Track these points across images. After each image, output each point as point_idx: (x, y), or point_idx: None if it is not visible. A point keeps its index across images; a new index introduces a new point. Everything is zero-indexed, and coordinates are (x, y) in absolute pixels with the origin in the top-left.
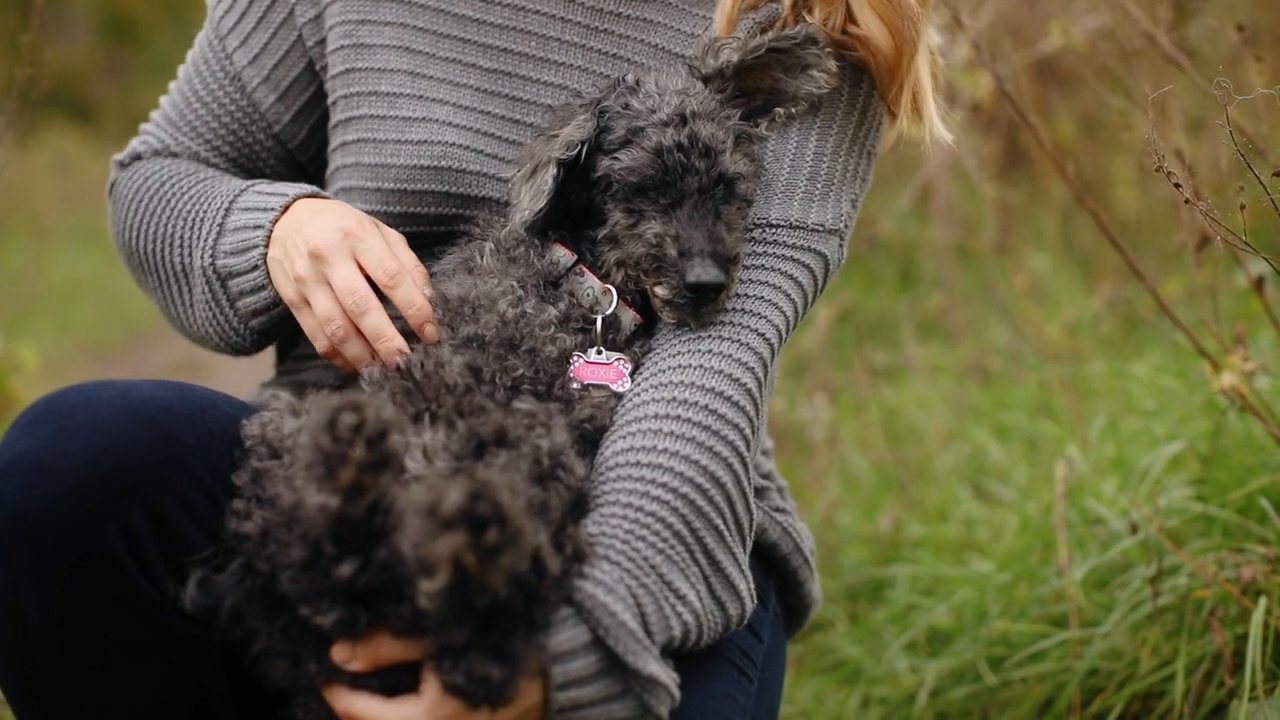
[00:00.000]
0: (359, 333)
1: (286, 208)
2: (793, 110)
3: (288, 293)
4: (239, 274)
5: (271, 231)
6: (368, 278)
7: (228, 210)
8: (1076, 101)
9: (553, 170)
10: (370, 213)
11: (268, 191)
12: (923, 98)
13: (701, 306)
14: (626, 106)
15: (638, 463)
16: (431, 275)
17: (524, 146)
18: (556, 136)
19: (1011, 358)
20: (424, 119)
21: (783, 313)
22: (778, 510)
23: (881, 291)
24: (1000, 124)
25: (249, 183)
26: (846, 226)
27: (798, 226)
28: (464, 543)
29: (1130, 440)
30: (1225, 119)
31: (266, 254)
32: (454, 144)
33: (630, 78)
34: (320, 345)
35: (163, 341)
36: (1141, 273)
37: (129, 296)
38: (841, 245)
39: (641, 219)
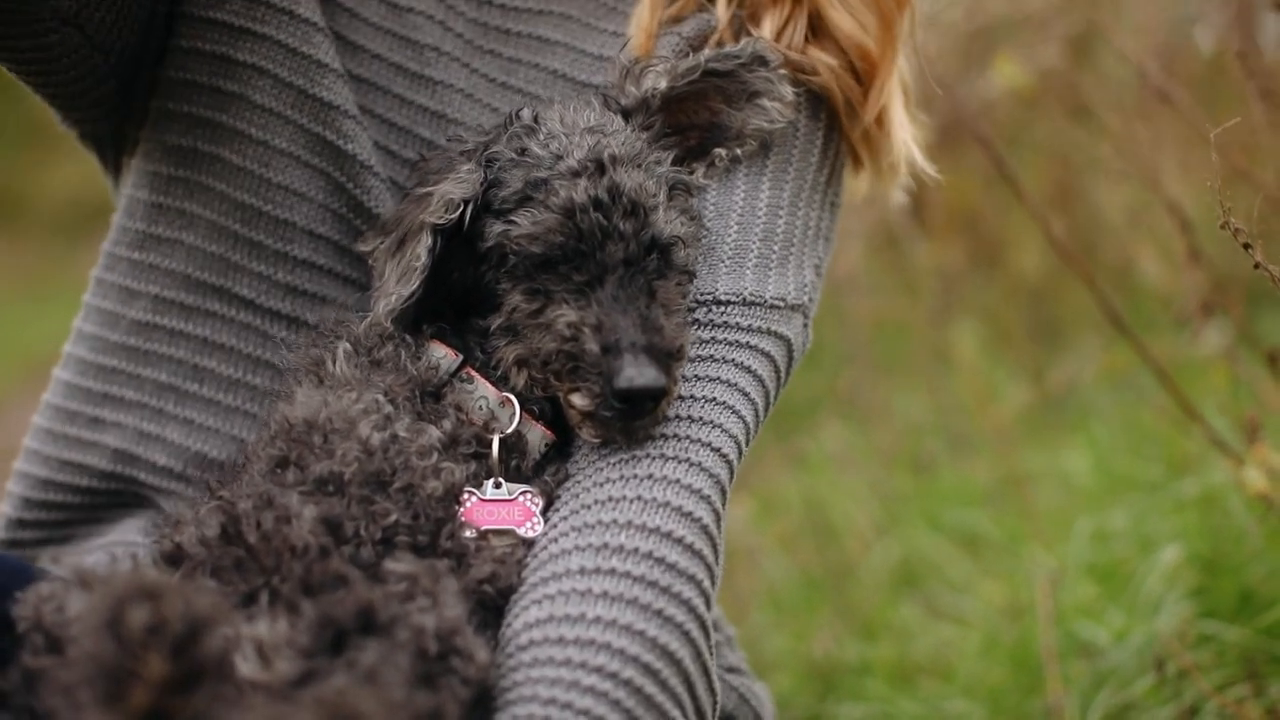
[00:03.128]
0: None
1: None
2: (737, 151)
3: None
4: None
5: None
6: None
7: None
8: (975, 159)
9: (426, 240)
10: (242, 176)
11: None
12: (892, 120)
13: (635, 420)
14: (523, 152)
15: (561, 639)
16: (264, 393)
17: (389, 209)
18: (429, 195)
19: (949, 442)
20: (340, 74)
21: (741, 419)
22: (730, 670)
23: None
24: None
25: None
26: (811, 300)
27: (753, 303)
28: None
29: (1107, 541)
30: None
31: None
32: (363, 126)
33: (526, 113)
34: None
35: None
36: (1140, 341)
37: None
38: (806, 324)
39: (549, 302)
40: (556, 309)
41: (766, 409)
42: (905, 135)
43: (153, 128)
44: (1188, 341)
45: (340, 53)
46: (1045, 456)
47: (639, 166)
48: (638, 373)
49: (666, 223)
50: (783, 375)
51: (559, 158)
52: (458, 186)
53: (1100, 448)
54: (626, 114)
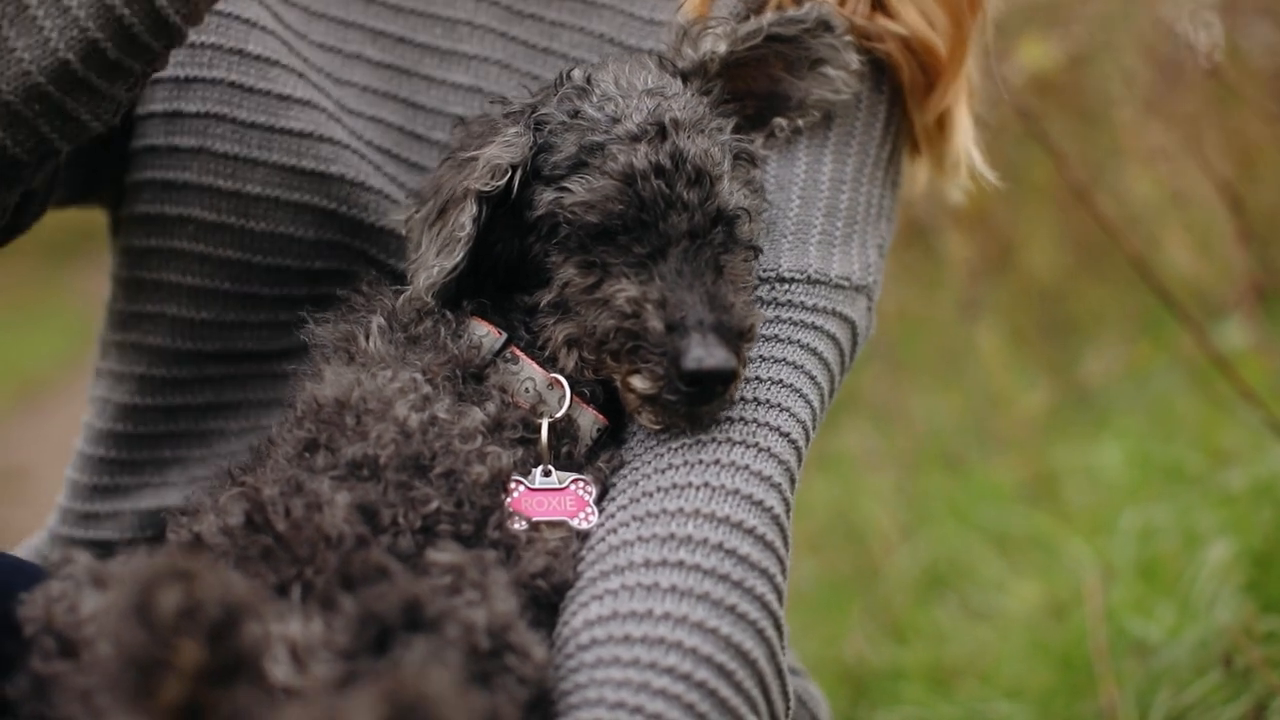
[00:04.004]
0: None
1: None
2: (798, 122)
3: None
4: None
5: None
6: None
7: None
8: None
9: (471, 209)
10: (221, 231)
11: None
12: (954, 123)
13: (702, 405)
14: (575, 114)
15: (626, 637)
16: (293, 371)
17: (427, 176)
18: (474, 160)
19: (976, 440)
20: (308, 102)
21: (808, 404)
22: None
23: None
24: None
25: None
26: (875, 282)
27: (817, 281)
28: None
29: (1149, 536)
30: None
31: None
32: (344, 145)
33: (578, 74)
34: None
35: None
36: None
37: None
38: (870, 308)
39: (606, 277)
40: (615, 283)
41: (830, 396)
42: (967, 140)
43: (123, 202)
44: (1237, 324)
45: (361, 41)
46: (1074, 453)
47: (702, 132)
48: (707, 353)
49: (731, 193)
50: (846, 361)
51: (616, 121)
52: (506, 150)
53: (1132, 442)
54: (683, 78)
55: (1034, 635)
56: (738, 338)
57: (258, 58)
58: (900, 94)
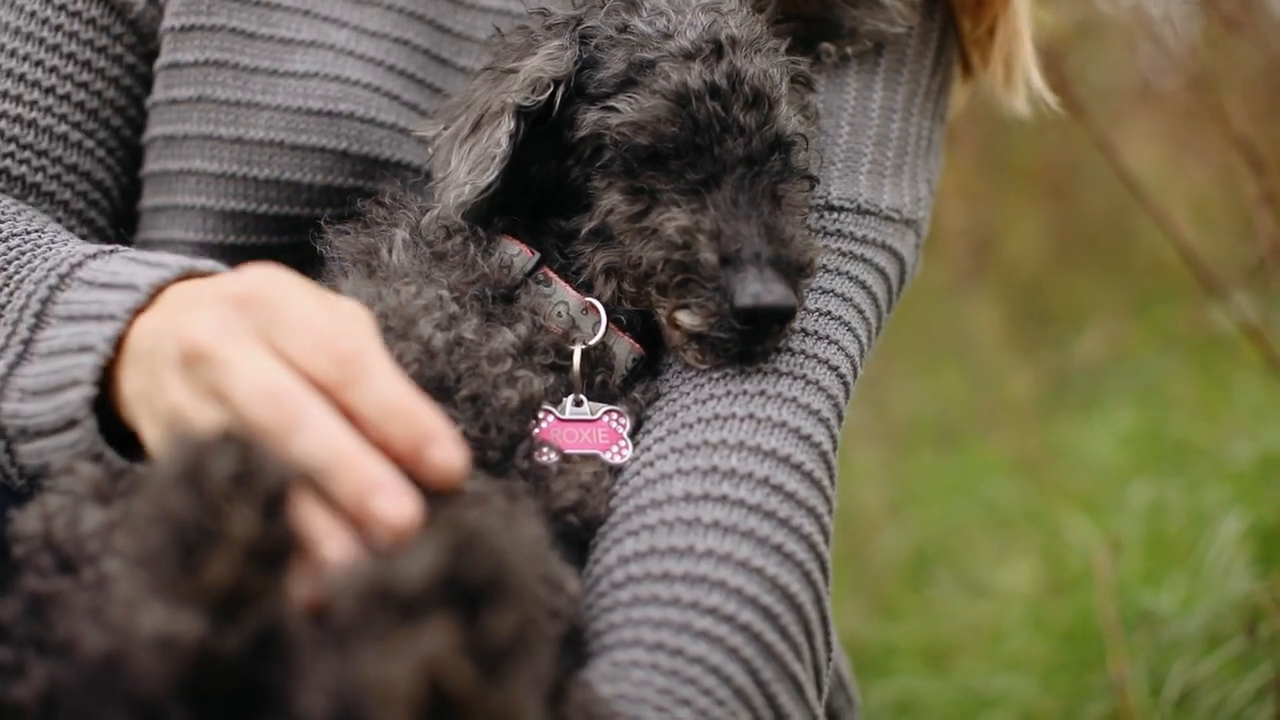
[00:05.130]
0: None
1: (142, 307)
2: (847, 50)
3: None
4: (49, 432)
5: (115, 355)
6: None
7: (40, 314)
8: (967, 149)
9: (508, 124)
10: (223, 182)
11: (111, 275)
12: (1016, 44)
13: (756, 344)
14: (624, 29)
15: (666, 575)
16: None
17: (457, 91)
18: (513, 73)
19: (967, 419)
20: (313, 43)
21: (856, 339)
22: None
23: None
24: None
25: (83, 250)
26: (924, 219)
27: (868, 211)
28: (450, 645)
29: (1151, 510)
30: None
31: (112, 393)
32: (356, 81)
33: None
34: None
35: None
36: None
37: None
38: (918, 244)
39: (655, 204)
40: (664, 212)
41: (877, 333)
42: (1027, 58)
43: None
44: (1258, 290)
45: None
46: (1068, 431)
47: (759, 51)
48: (764, 289)
49: (789, 118)
50: (894, 299)
51: (668, 36)
52: (549, 63)
53: (1128, 418)
54: None
55: (1033, 611)
56: (797, 273)
57: (258, 3)
58: (952, 20)
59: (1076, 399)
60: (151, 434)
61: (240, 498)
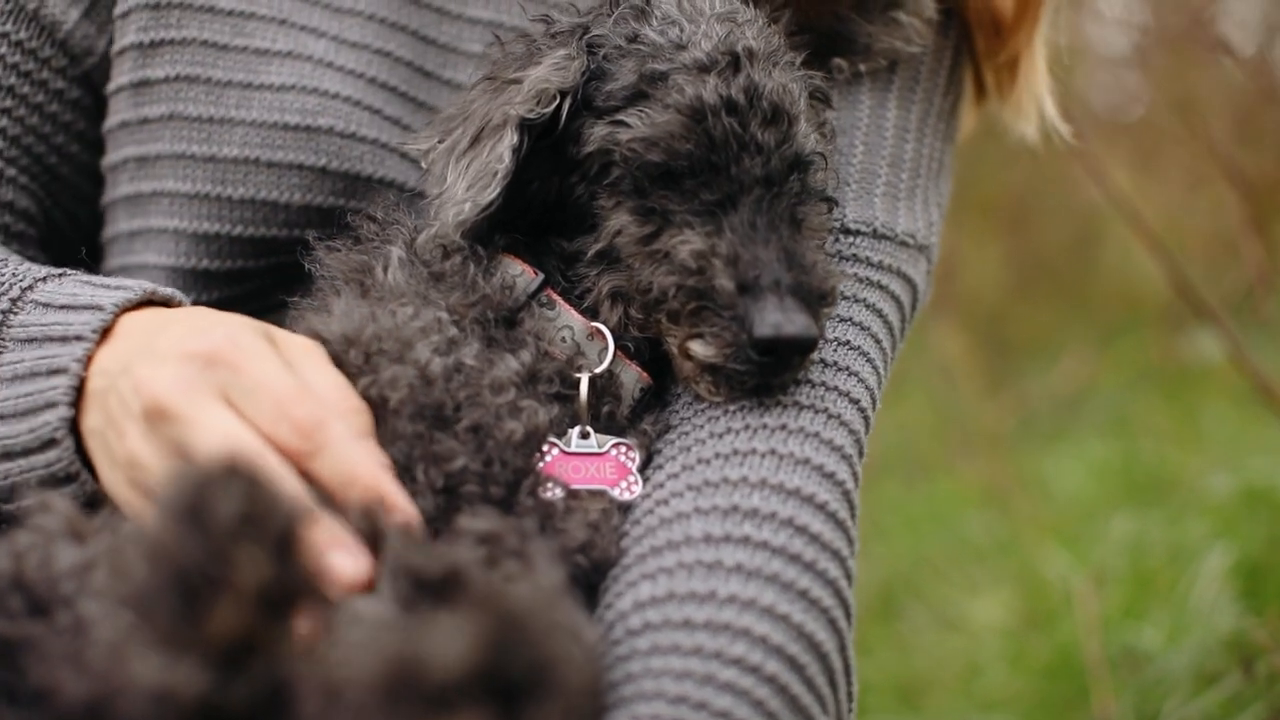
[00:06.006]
0: None
1: (108, 328)
2: (860, 66)
3: (119, 489)
4: (20, 454)
5: (85, 376)
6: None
7: None
8: None
9: (511, 138)
10: (196, 203)
11: (70, 297)
12: (1030, 70)
13: (774, 377)
14: (634, 38)
15: (687, 622)
16: (291, 304)
17: (448, 103)
18: (516, 83)
19: (935, 451)
20: (290, 54)
21: (874, 368)
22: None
23: None
24: None
25: (32, 273)
26: (935, 245)
27: (883, 236)
28: None
29: (1129, 545)
30: None
31: (78, 418)
32: (335, 94)
33: None
34: None
35: None
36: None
37: None
38: (929, 272)
39: (667, 226)
40: (677, 234)
41: (891, 362)
42: (1040, 85)
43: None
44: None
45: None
46: (1036, 463)
47: (777, 65)
48: (785, 319)
49: (807, 136)
50: (907, 325)
51: (681, 47)
52: (555, 73)
53: (1098, 451)
54: (751, 3)
55: (1010, 646)
56: (818, 301)
57: (231, 12)
58: (968, 37)
59: (1044, 430)
60: (109, 476)
61: (249, 538)
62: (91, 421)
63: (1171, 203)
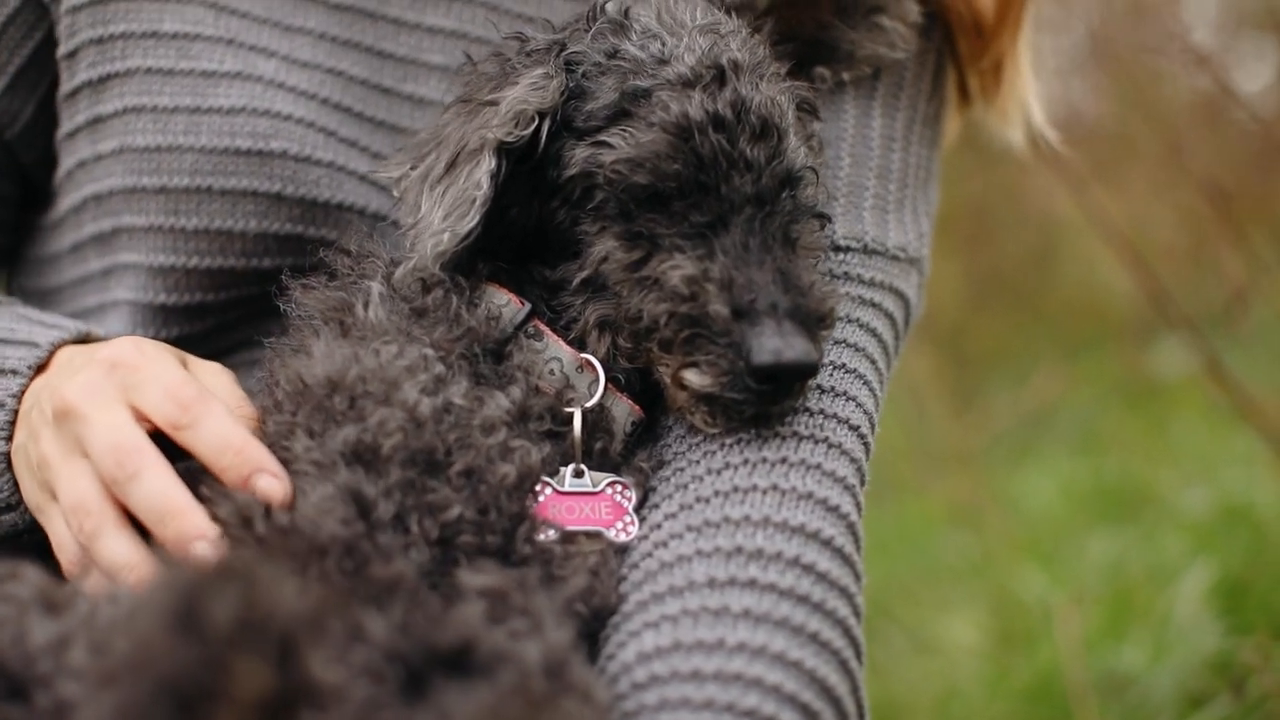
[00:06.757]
0: (124, 521)
1: (43, 364)
2: (844, 75)
3: (33, 496)
4: None
5: (18, 408)
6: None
7: None
8: None
9: (488, 163)
10: (151, 236)
11: (8, 331)
12: (1015, 75)
13: (774, 405)
14: (614, 54)
15: (695, 673)
16: (269, 346)
17: (427, 128)
18: (492, 105)
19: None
20: (238, 75)
21: (872, 392)
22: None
23: None
24: None
25: None
26: (926, 257)
27: (874, 251)
28: None
29: (1112, 565)
30: None
31: (9, 448)
32: (288, 116)
33: (612, 6)
34: (65, 561)
35: None
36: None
37: None
38: (921, 285)
39: (656, 251)
40: (666, 259)
41: (887, 382)
42: (1026, 90)
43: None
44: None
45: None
46: (1005, 481)
47: (763, 77)
48: (784, 344)
49: (798, 150)
50: (900, 342)
51: (663, 62)
52: (533, 94)
53: (1066, 469)
54: (732, 11)
55: (987, 668)
56: (817, 323)
57: (175, 35)
58: (951, 41)
59: (1012, 447)
60: (28, 485)
61: (247, 646)
62: (18, 439)
63: (1130, 214)
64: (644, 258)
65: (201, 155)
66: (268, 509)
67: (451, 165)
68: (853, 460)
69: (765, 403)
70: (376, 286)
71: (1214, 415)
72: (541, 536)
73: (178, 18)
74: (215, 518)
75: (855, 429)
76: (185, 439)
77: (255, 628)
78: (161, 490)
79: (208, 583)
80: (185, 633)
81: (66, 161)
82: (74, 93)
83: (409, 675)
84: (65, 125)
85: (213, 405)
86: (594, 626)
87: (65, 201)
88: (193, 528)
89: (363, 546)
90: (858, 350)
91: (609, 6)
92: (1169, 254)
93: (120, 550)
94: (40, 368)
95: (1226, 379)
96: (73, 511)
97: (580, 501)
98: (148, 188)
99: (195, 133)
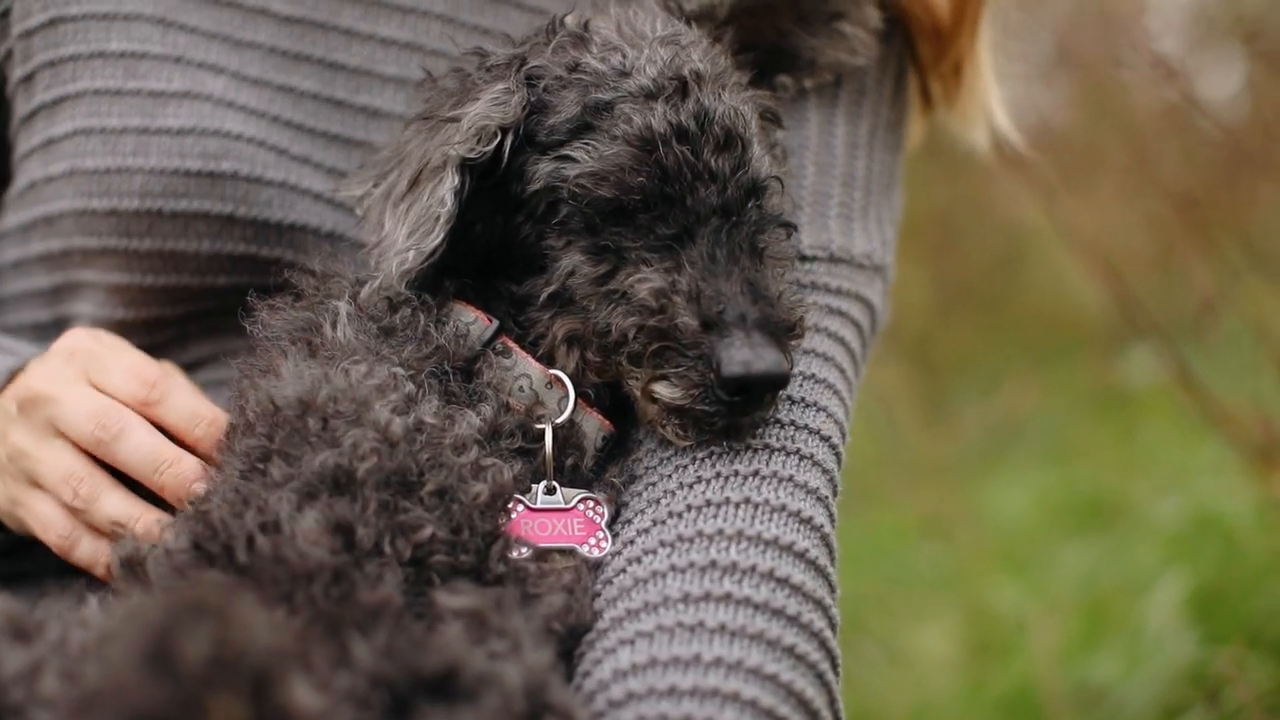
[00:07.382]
0: (116, 480)
1: (7, 383)
2: (806, 82)
3: (7, 494)
4: None
5: None
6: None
7: None
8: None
9: (451, 180)
10: (104, 257)
11: None
12: (976, 77)
13: (744, 416)
14: (575, 67)
15: (672, 690)
16: (238, 366)
17: (388, 145)
18: (453, 121)
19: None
20: (187, 94)
21: (842, 402)
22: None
23: None
24: None
25: None
26: (890, 264)
27: (839, 259)
28: None
29: (1085, 575)
30: None
31: None
32: (238, 135)
33: (571, 20)
34: (54, 538)
35: None
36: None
37: None
38: (886, 293)
39: (622, 264)
40: (633, 272)
41: (856, 391)
42: (989, 94)
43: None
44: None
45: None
46: (975, 491)
47: (725, 87)
48: (754, 355)
49: (762, 160)
50: (867, 351)
51: (625, 74)
52: (495, 109)
53: (1037, 479)
54: (691, 22)
55: (960, 679)
56: (786, 333)
57: (122, 55)
58: (912, 46)
59: (983, 457)
60: (1, 493)
61: (222, 683)
62: None
63: (1099, 222)
64: (611, 271)
65: (151, 176)
66: (250, 539)
67: (414, 183)
68: (825, 471)
69: (736, 414)
70: (344, 306)
71: (1184, 424)
72: (515, 554)
73: (124, 36)
74: (196, 548)
75: (826, 439)
76: (156, 414)
77: (228, 665)
78: (151, 442)
79: (179, 620)
80: (158, 672)
81: (19, 181)
82: (31, 115)
83: (394, 700)
84: (21, 147)
85: (178, 379)
86: (570, 645)
87: (13, 219)
88: (190, 471)
89: (349, 572)
90: (826, 360)
91: (568, 19)
92: (1137, 262)
93: (120, 506)
94: (10, 376)
95: (1197, 387)
96: (63, 482)
97: (553, 518)
98: (98, 210)
99: (144, 154)
